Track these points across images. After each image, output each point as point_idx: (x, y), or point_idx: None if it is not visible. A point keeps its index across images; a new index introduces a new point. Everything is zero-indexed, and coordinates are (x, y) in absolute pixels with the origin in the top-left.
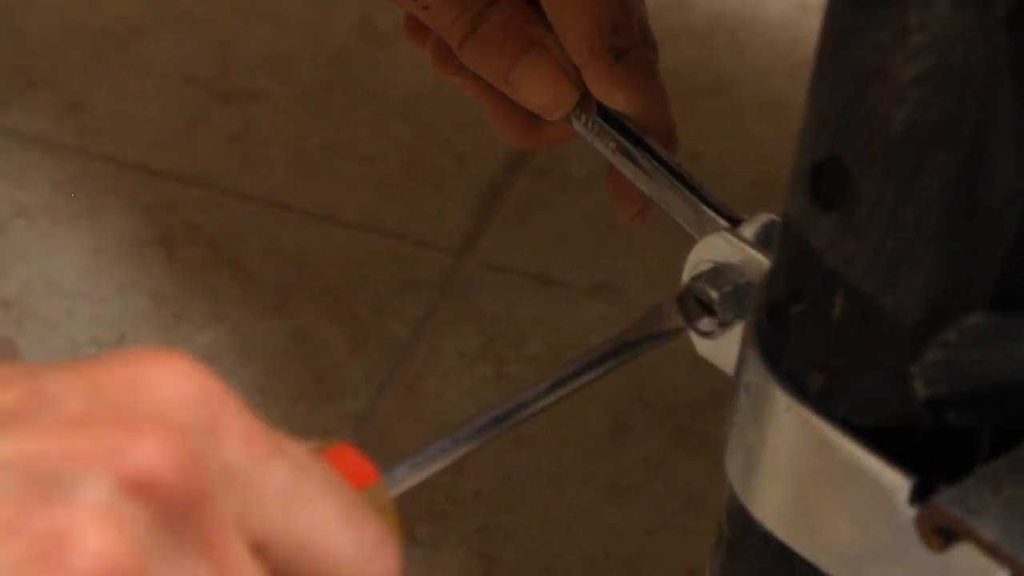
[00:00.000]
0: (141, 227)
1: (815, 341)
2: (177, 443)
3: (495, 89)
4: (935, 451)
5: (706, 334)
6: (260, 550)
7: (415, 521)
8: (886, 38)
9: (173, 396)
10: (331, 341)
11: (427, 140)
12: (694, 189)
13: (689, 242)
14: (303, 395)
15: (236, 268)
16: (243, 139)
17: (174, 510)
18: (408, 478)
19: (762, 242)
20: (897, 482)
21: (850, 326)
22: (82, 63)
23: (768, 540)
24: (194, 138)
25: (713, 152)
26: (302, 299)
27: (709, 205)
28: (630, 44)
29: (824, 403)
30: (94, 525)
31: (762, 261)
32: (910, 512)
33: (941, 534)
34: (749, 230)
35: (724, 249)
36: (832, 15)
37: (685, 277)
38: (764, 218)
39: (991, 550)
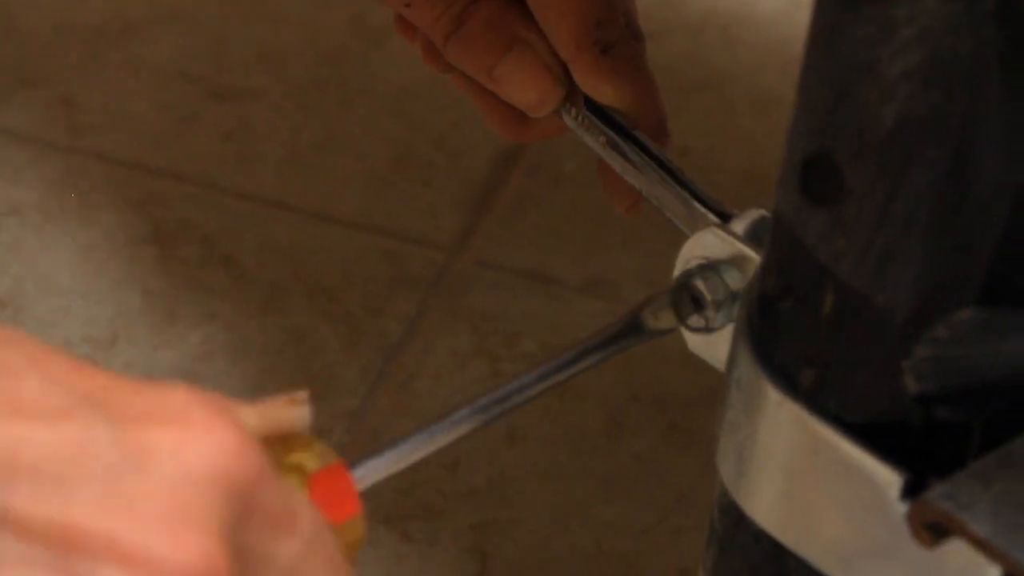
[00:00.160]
0: (134, 225)
1: (806, 337)
2: (212, 548)
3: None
4: (926, 447)
5: (697, 330)
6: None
7: (409, 518)
8: (874, 32)
9: (215, 475)
10: (324, 339)
11: (420, 137)
12: (684, 184)
13: (682, 239)
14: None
15: (230, 266)
16: (237, 137)
17: (253, 499)
18: (383, 470)
19: (752, 238)
20: (888, 478)
21: (841, 322)
22: (76, 60)
23: (760, 536)
24: (188, 136)
25: (704, 148)
26: (295, 297)
27: (699, 200)
28: (616, 38)
29: (815, 399)
30: None
31: (753, 257)
32: (901, 508)
33: (932, 529)
34: (740, 226)
35: (715, 245)
36: (821, 10)
37: (677, 273)
38: (754, 214)
39: (982, 545)
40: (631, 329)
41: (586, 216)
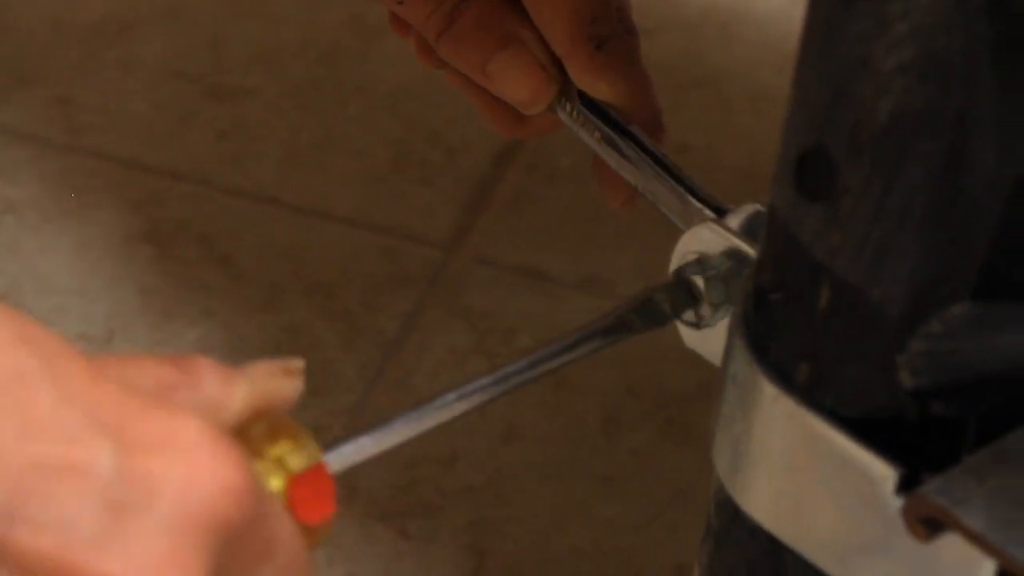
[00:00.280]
0: (131, 223)
1: (801, 332)
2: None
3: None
4: (921, 441)
5: (693, 325)
6: None
7: (406, 515)
8: (869, 28)
9: (216, 522)
10: (322, 336)
11: (416, 135)
12: (680, 179)
13: (678, 234)
14: None
15: (226, 264)
16: (234, 135)
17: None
18: (388, 440)
19: (748, 233)
20: (883, 472)
21: (836, 316)
22: (72, 59)
23: (756, 531)
24: (185, 134)
25: (702, 144)
26: (293, 294)
27: (695, 195)
28: (610, 33)
29: (810, 394)
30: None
31: (748, 252)
32: (896, 502)
33: (927, 524)
34: (735, 221)
35: (711, 240)
36: (816, 6)
37: (672, 268)
38: (750, 209)
39: (976, 540)
40: (625, 322)
41: (582, 213)
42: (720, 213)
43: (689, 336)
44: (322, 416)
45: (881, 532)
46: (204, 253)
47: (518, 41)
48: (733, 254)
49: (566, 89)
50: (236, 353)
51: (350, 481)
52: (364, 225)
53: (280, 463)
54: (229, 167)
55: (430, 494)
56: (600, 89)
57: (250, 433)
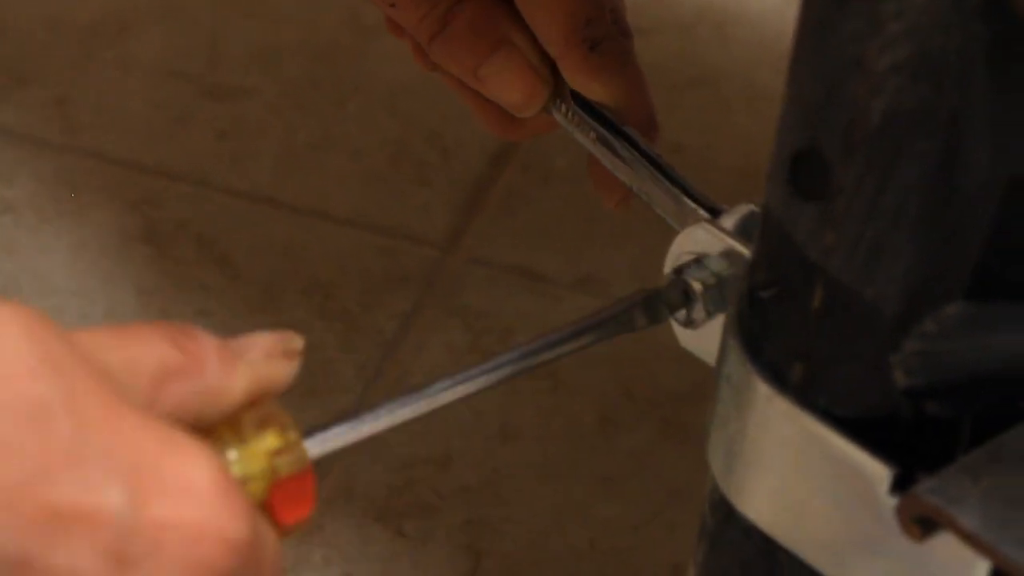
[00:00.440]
0: (128, 223)
1: (796, 332)
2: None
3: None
4: (915, 441)
5: (688, 325)
6: None
7: (403, 515)
8: (863, 27)
9: (218, 564)
10: (320, 336)
11: (414, 135)
12: (674, 180)
13: (673, 235)
14: (292, 390)
15: (224, 264)
16: (231, 135)
17: None
18: (352, 435)
19: (742, 233)
20: (878, 472)
21: (830, 317)
22: (69, 59)
23: (750, 531)
24: (182, 134)
25: (699, 145)
26: (290, 294)
27: (689, 196)
28: (604, 34)
29: (805, 394)
30: None
31: (743, 252)
32: (891, 502)
33: (921, 524)
34: (729, 221)
35: (705, 240)
36: (809, 5)
37: (667, 268)
38: (744, 209)
39: (971, 539)
40: (619, 319)
41: (577, 213)
42: (714, 213)
43: (684, 336)
44: (320, 416)
45: (876, 532)
46: (202, 253)
47: (510, 44)
48: (727, 254)
49: (560, 90)
50: None
51: (346, 481)
52: (362, 225)
53: (267, 460)
54: (227, 167)
55: (427, 494)
56: (594, 90)
57: (240, 421)
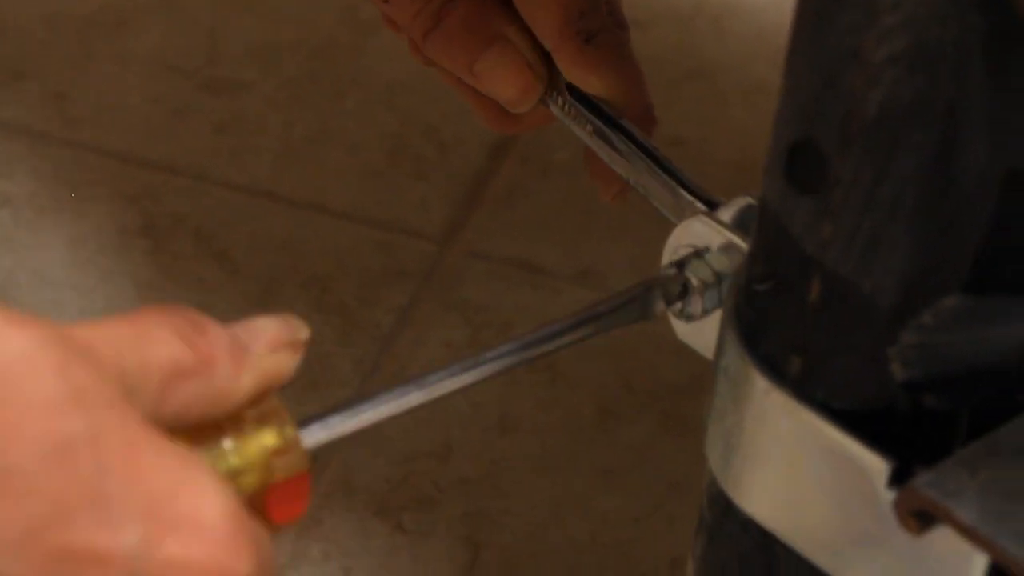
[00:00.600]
0: (127, 217)
1: (792, 324)
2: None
3: None
4: (913, 434)
5: (685, 318)
6: None
7: (402, 509)
8: (859, 19)
9: (221, 538)
10: (318, 330)
11: (412, 129)
12: (671, 173)
13: (671, 228)
14: (290, 385)
15: (222, 258)
16: (229, 129)
17: None
18: (348, 424)
19: (740, 226)
20: (875, 465)
21: (827, 309)
22: (67, 53)
23: (748, 525)
24: (180, 128)
25: (696, 138)
26: (288, 288)
27: (687, 189)
28: (599, 26)
29: (802, 387)
30: None
31: (740, 245)
32: (888, 495)
33: (919, 517)
34: (727, 214)
35: (702, 233)
36: None
37: (664, 261)
38: (741, 202)
39: (968, 533)
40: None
41: (576, 206)
42: (712, 206)
43: (681, 329)
44: (318, 410)
45: (873, 525)
46: (200, 247)
47: (504, 40)
48: (725, 247)
49: (556, 83)
50: None
51: (345, 475)
52: (360, 219)
53: (264, 457)
54: (225, 161)
55: (426, 487)
56: (590, 83)
57: (240, 413)
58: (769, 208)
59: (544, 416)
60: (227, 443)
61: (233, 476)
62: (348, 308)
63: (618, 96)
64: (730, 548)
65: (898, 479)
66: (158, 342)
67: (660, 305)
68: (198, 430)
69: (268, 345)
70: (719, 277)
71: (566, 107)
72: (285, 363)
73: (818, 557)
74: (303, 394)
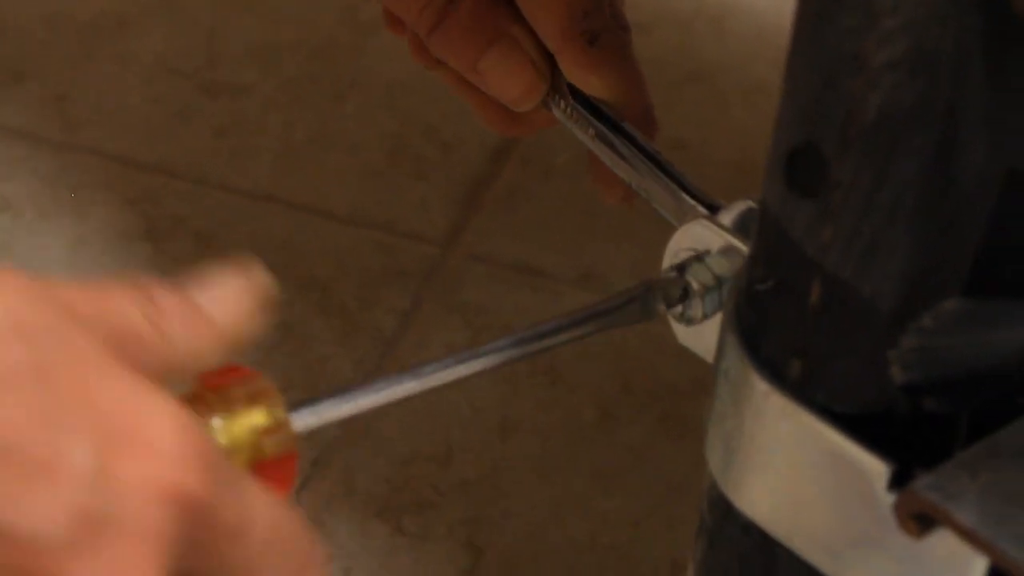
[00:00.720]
0: (127, 220)
1: (793, 327)
2: (205, 466)
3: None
4: (913, 437)
5: (686, 321)
6: None
7: (402, 511)
8: (859, 22)
9: (179, 505)
10: (318, 333)
11: (413, 130)
12: (673, 176)
13: (672, 231)
14: (291, 386)
15: (222, 260)
16: (229, 131)
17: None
18: (323, 416)
19: (740, 229)
20: (875, 468)
21: (827, 312)
22: (68, 56)
23: (748, 528)
24: (181, 131)
25: (697, 139)
26: (289, 291)
27: (688, 192)
28: (603, 28)
29: (802, 389)
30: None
31: (741, 248)
32: (888, 498)
33: (919, 520)
34: (727, 217)
35: (703, 236)
36: (806, 1)
37: (665, 264)
38: (742, 205)
39: (968, 535)
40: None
41: (577, 209)
42: (713, 209)
43: (681, 332)
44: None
45: (873, 528)
46: (200, 249)
47: (509, 37)
48: (725, 250)
49: (558, 86)
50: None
51: (346, 477)
52: (360, 221)
53: (253, 436)
54: (225, 163)
55: (426, 490)
56: (592, 84)
57: (229, 391)
58: (769, 211)
59: (544, 418)
60: (216, 421)
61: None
62: (349, 310)
63: (620, 98)
64: (731, 551)
65: (898, 482)
66: (111, 308)
67: (659, 306)
68: (186, 406)
69: (231, 311)
70: (719, 280)
71: (568, 110)
72: (246, 324)
73: (818, 560)
74: (303, 396)
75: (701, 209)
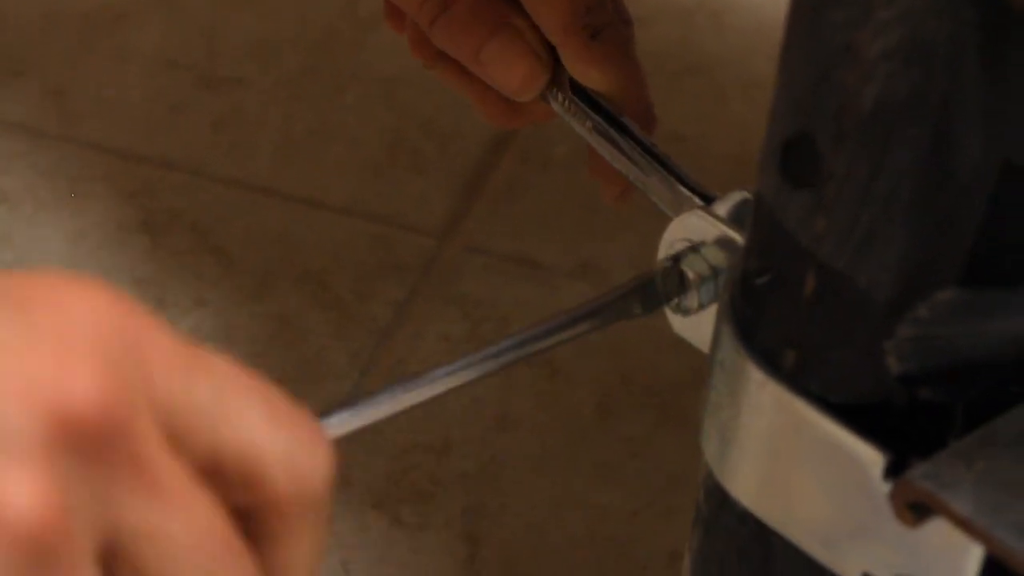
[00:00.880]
0: (125, 213)
1: (788, 318)
2: (106, 376)
3: (472, 75)
4: (909, 427)
5: (682, 312)
6: (181, 443)
7: (400, 503)
8: (854, 13)
9: (98, 321)
10: (314, 325)
11: (411, 124)
12: (669, 168)
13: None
14: (287, 379)
15: (220, 253)
16: (227, 125)
17: (101, 445)
18: (350, 423)
19: (736, 220)
20: (871, 458)
21: (822, 303)
22: (66, 49)
23: (744, 517)
24: (178, 124)
25: (696, 133)
26: (285, 283)
27: (684, 184)
28: (605, 22)
29: (798, 380)
30: (21, 475)
31: (736, 239)
32: (884, 487)
33: (915, 509)
34: (723, 208)
35: (699, 227)
36: None
37: (661, 255)
38: (738, 196)
39: (964, 524)
40: (615, 307)
41: (575, 201)
42: (708, 201)
43: (678, 323)
44: (314, 404)
45: (869, 517)
46: (197, 243)
47: (511, 27)
48: (721, 241)
49: (558, 78)
50: (229, 342)
51: (344, 469)
52: (358, 214)
53: None
54: (223, 157)
55: (424, 482)
56: (593, 78)
57: None
58: (764, 202)
59: (543, 411)
60: None
61: None
62: (345, 302)
63: (620, 93)
64: (727, 541)
65: (894, 471)
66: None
67: (657, 300)
68: None
69: None
70: (715, 271)
71: (566, 103)
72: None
73: (814, 549)
74: (299, 388)
75: (697, 200)
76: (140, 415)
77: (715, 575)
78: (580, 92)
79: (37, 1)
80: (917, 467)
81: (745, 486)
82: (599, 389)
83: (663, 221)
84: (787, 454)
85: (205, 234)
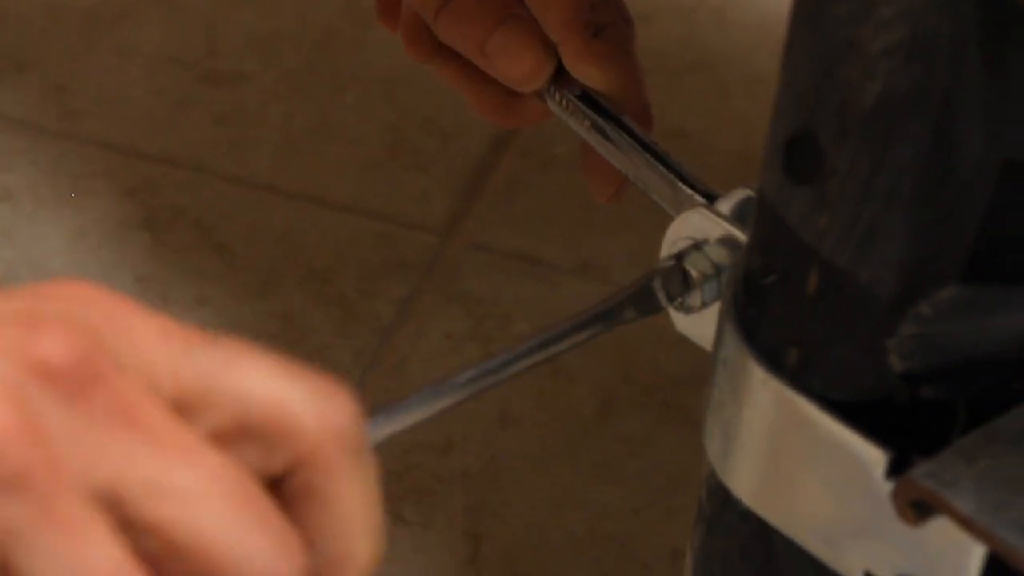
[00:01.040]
0: (127, 210)
1: (791, 316)
2: (79, 334)
3: (470, 71)
4: (911, 425)
5: (684, 310)
6: (193, 412)
7: (402, 500)
8: (856, 9)
9: (73, 296)
10: (318, 323)
11: (412, 121)
12: (670, 166)
13: (671, 221)
14: None
15: (222, 250)
16: (229, 122)
17: (76, 388)
18: (384, 428)
19: (738, 218)
20: (873, 456)
21: (825, 300)
22: (67, 46)
23: (746, 515)
24: (180, 121)
25: (699, 129)
26: (288, 281)
27: (685, 182)
28: (608, 20)
29: (800, 378)
30: None
31: (739, 237)
32: (886, 486)
33: (917, 507)
34: (725, 206)
35: (701, 225)
36: None
37: (663, 254)
38: (740, 194)
39: (966, 523)
40: (621, 309)
41: (577, 199)
42: (710, 198)
43: (680, 321)
44: None
45: (871, 516)
46: (200, 240)
47: (516, 17)
48: (724, 239)
49: (557, 77)
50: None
51: None
52: (360, 211)
53: None
54: (225, 154)
55: (426, 480)
56: (593, 76)
57: None
58: (767, 199)
59: (544, 410)
60: None
61: None
62: (348, 300)
63: (618, 92)
64: (729, 539)
65: (896, 469)
66: None
67: (663, 299)
68: None
69: None
70: (718, 269)
71: (564, 102)
72: None
73: (816, 548)
74: None
75: (698, 198)
76: (122, 371)
77: (717, 573)
78: (579, 91)
79: None
80: (919, 465)
81: (747, 484)
82: (600, 388)
83: (663, 219)
84: (789, 452)
85: (208, 231)
